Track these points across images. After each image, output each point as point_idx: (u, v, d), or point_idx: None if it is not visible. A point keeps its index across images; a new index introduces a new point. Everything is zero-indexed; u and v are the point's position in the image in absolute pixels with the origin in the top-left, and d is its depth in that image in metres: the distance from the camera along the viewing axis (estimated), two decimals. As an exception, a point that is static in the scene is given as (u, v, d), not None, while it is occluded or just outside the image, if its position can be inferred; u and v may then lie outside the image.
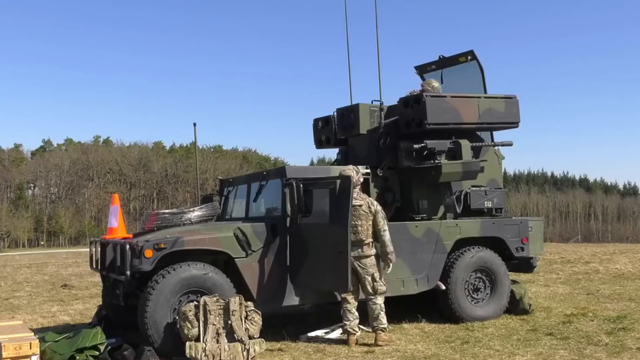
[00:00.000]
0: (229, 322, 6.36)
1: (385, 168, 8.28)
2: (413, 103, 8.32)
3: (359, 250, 7.19)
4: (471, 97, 8.64)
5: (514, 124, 9.03)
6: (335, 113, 9.31)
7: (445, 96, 8.46)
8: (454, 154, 8.34)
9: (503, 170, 9.50)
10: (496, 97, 8.85)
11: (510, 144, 9.15)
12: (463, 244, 8.47)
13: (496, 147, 9.16)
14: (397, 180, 8.48)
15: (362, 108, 8.76)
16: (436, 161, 8.20)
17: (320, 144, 9.79)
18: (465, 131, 8.60)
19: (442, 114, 8.26)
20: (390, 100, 8.96)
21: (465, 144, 8.36)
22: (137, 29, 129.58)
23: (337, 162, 9.63)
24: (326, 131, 9.57)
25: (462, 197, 8.60)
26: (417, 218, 8.41)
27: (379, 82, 8.76)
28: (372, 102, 8.83)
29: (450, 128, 8.40)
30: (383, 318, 7.23)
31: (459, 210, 8.58)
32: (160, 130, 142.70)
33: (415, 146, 8.24)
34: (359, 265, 7.20)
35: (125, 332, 7.22)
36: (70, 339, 6.59)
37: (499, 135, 9.40)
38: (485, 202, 8.75)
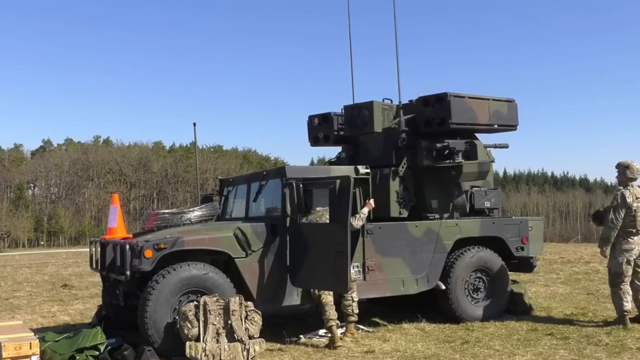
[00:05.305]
0: (229, 322, 6.36)
1: (405, 167, 8.33)
2: (434, 102, 8.37)
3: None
4: (483, 98, 8.74)
5: (513, 127, 9.15)
6: (342, 110, 9.13)
7: (464, 96, 8.51)
8: (468, 154, 8.41)
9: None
10: (500, 100, 8.94)
11: (506, 146, 9.23)
12: (463, 243, 8.49)
13: (487, 149, 9.24)
14: (412, 179, 8.52)
15: (377, 106, 8.59)
16: (456, 161, 8.29)
17: (316, 141, 9.64)
18: (477, 132, 8.78)
19: (463, 114, 8.37)
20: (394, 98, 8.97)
21: (480, 145, 8.54)
22: (136, 29, 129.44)
23: (341, 161, 9.48)
24: (325, 129, 9.43)
25: (467, 196, 8.70)
26: (431, 217, 8.49)
27: (397, 81, 8.78)
28: (383, 100, 8.77)
29: (468, 128, 8.54)
30: None
31: (467, 210, 8.66)
32: (160, 130, 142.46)
33: (438, 145, 8.29)
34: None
35: (125, 332, 7.22)
36: (70, 339, 6.60)
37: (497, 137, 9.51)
38: (485, 202, 8.84)
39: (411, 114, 8.65)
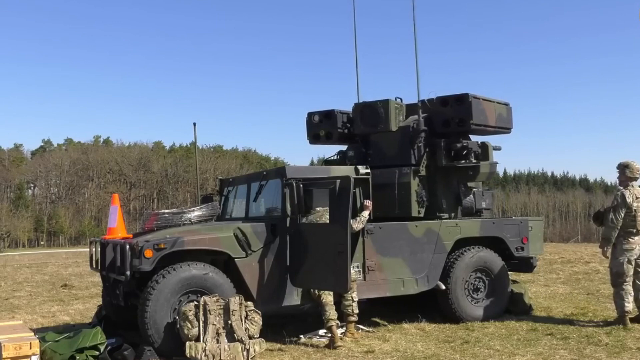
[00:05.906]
0: (229, 322, 6.36)
1: (424, 166, 8.43)
2: (454, 102, 8.45)
3: None
4: (491, 101, 8.84)
5: (509, 130, 9.27)
6: (353, 108, 9.05)
7: (479, 98, 8.58)
8: (479, 154, 8.54)
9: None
10: (500, 103, 9.04)
11: (499, 149, 9.28)
12: (463, 243, 8.50)
13: None
14: (427, 178, 8.58)
15: (392, 104, 8.52)
16: (472, 161, 8.42)
17: (316, 139, 9.51)
18: (486, 133, 8.95)
19: (479, 115, 8.49)
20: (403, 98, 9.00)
21: (490, 146, 8.67)
22: (136, 29, 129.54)
23: (349, 159, 9.16)
24: (327, 126, 9.30)
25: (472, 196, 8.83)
26: (444, 217, 8.57)
27: (417, 80, 8.77)
28: (395, 99, 8.74)
29: (482, 129, 8.69)
30: None
31: (474, 210, 8.78)
32: (160, 130, 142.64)
33: (458, 145, 8.38)
34: None
35: (125, 332, 7.22)
36: (70, 339, 6.59)
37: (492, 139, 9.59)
38: (482, 202, 8.97)
39: (424, 113, 8.66)
